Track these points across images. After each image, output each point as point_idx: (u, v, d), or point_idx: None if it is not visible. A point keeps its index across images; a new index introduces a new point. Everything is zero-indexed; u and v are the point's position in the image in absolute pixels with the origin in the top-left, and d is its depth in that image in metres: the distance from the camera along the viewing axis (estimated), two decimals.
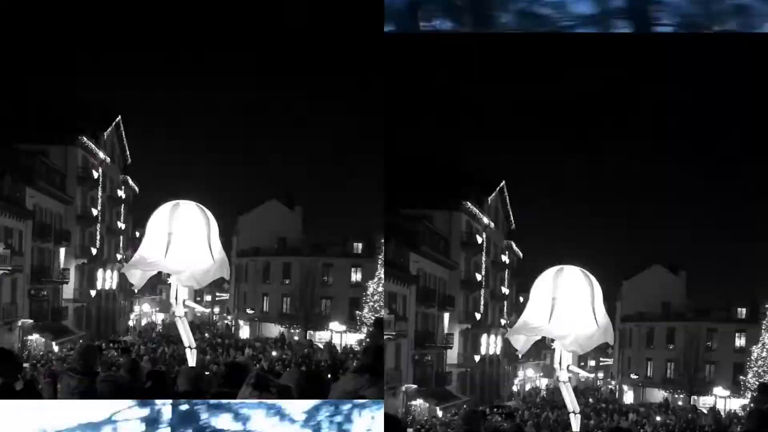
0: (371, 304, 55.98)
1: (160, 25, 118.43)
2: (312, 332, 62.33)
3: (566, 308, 10.83)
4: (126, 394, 6.94)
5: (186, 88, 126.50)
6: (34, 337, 47.64)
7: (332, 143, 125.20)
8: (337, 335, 62.00)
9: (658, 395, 66.14)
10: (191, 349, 10.89)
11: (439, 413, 46.91)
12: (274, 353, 48.19)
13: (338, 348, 53.47)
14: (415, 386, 48.36)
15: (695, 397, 62.71)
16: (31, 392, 14.22)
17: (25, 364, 32.12)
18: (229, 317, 76.81)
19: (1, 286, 45.22)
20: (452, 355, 56.55)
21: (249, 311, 68.14)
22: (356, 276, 64.52)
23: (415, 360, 49.98)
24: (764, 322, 58.51)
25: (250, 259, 69.11)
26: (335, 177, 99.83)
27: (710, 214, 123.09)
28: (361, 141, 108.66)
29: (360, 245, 65.20)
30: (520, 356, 65.80)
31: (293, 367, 38.24)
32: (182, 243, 10.72)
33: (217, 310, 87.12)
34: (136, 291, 66.55)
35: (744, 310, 65.73)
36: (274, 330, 64.49)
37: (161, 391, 7.02)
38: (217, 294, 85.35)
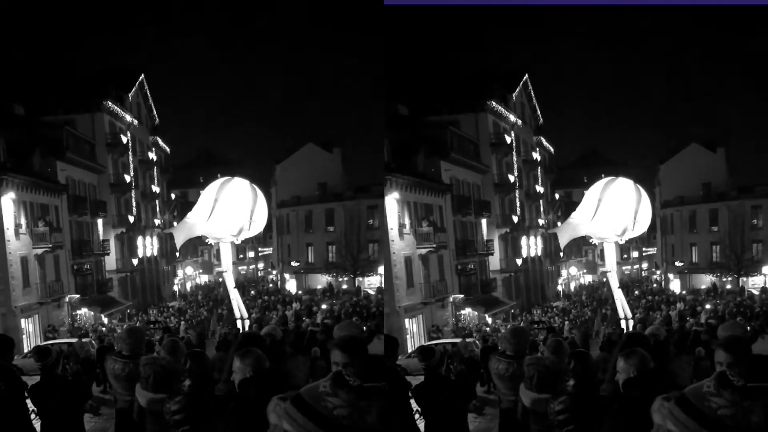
0: None
1: None
2: (360, 279, 60.51)
3: (609, 211, 13.21)
4: (167, 375, 7.53)
5: (204, 37, 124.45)
6: (83, 311, 47.13)
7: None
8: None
9: (705, 280, 62.80)
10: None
11: (489, 320, 46.64)
12: (323, 306, 46.98)
13: None
14: (461, 296, 47.92)
15: (744, 279, 59.97)
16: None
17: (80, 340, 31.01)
18: (273, 272, 75.67)
19: (45, 264, 44.48)
20: (494, 261, 55.60)
21: (294, 264, 65.88)
22: None
23: (458, 270, 49.40)
24: None
25: (291, 209, 66.65)
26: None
27: (746, 85, 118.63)
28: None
29: None
30: (561, 254, 64.53)
31: (344, 318, 36.92)
32: (225, 211, 12.83)
33: (261, 265, 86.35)
34: (177, 254, 65.65)
35: None
36: (321, 280, 62.74)
37: (201, 371, 6.99)
38: (260, 249, 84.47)
